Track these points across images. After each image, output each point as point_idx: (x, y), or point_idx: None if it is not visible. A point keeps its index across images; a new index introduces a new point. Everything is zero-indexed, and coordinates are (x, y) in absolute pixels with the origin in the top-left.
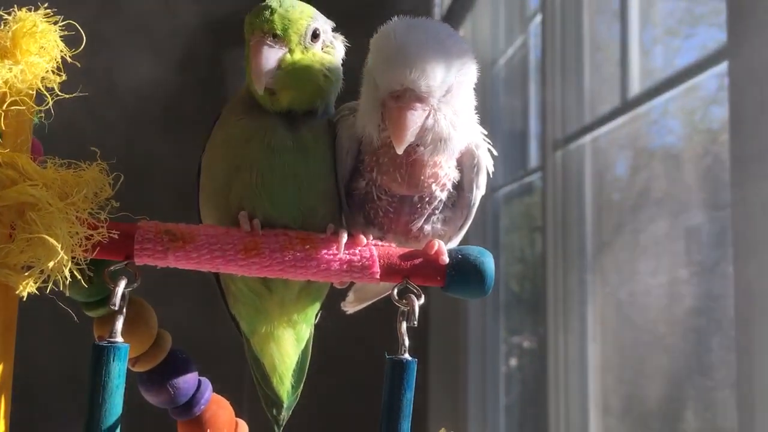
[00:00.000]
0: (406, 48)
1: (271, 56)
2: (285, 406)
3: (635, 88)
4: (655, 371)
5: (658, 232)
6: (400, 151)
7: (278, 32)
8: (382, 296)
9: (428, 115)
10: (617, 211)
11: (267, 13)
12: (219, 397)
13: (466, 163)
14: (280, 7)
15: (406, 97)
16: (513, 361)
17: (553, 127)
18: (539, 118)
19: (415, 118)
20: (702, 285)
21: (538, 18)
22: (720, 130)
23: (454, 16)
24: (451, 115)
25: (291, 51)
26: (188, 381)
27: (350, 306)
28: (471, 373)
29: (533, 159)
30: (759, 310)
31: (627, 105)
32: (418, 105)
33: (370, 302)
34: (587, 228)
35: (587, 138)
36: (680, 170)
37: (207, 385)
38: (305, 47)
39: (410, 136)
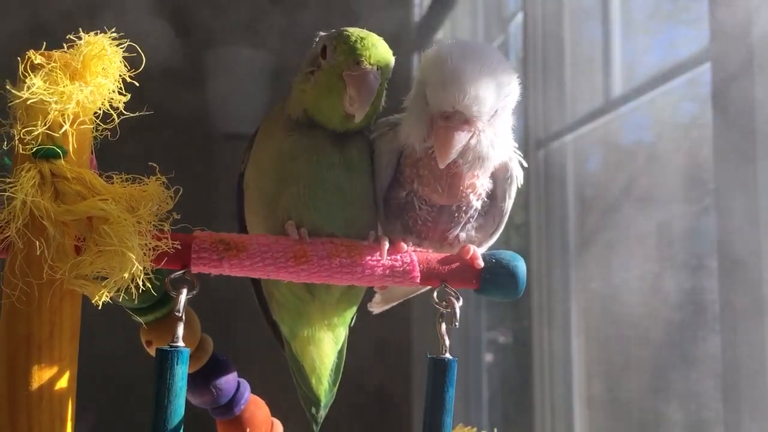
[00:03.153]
0: (460, 73)
1: (374, 86)
2: (323, 404)
3: (617, 86)
4: (639, 364)
5: (641, 227)
6: (442, 165)
7: (381, 65)
8: (407, 297)
9: (472, 135)
10: (599, 207)
11: (370, 45)
12: (256, 397)
13: (500, 176)
14: (377, 40)
15: (455, 118)
16: (495, 355)
17: (535, 125)
18: (521, 117)
19: (461, 138)
20: (685, 279)
21: (518, 18)
22: (692, 125)
23: (433, 16)
24: (492, 136)
25: (382, 82)
26: (229, 382)
27: (377, 306)
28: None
29: None
30: (743, 304)
31: (609, 105)
32: (466, 126)
33: (395, 303)
34: (570, 225)
35: (569, 137)
36: (659, 166)
37: (246, 386)
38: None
39: (454, 154)
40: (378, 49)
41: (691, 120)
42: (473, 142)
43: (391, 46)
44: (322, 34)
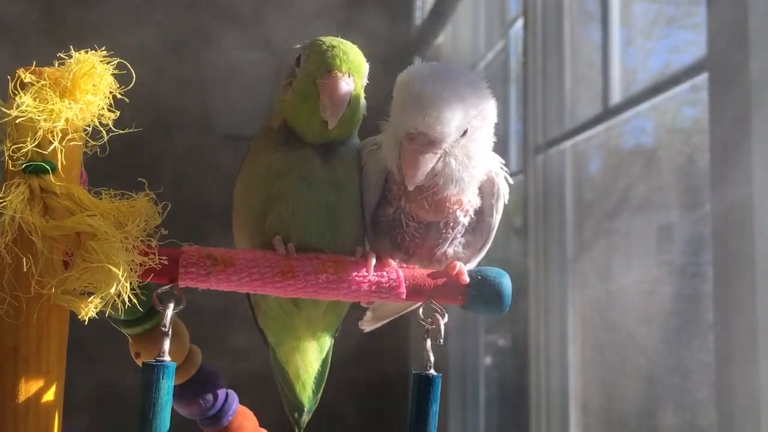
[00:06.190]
0: (423, 95)
1: (346, 92)
2: (306, 410)
3: (616, 93)
4: (635, 371)
5: (638, 234)
6: (410, 187)
7: (353, 72)
8: (398, 315)
9: (439, 158)
10: (598, 213)
11: (341, 53)
12: (244, 408)
13: (487, 191)
14: (348, 47)
15: (419, 140)
16: (494, 359)
17: (534, 131)
18: (520, 122)
19: (426, 160)
20: (683, 285)
21: (518, 23)
22: (693, 131)
23: (434, 21)
24: (462, 158)
25: (356, 88)
26: (217, 393)
27: (368, 324)
28: (451, 371)
29: (513, 162)
30: (736, 312)
31: (608, 112)
32: (431, 148)
33: (387, 321)
34: (568, 230)
35: (568, 143)
36: (658, 171)
37: (234, 397)
38: (361, 85)
39: (420, 176)
40: (349, 56)
41: (691, 125)
42: (440, 165)
43: (392, 51)
44: (297, 46)
